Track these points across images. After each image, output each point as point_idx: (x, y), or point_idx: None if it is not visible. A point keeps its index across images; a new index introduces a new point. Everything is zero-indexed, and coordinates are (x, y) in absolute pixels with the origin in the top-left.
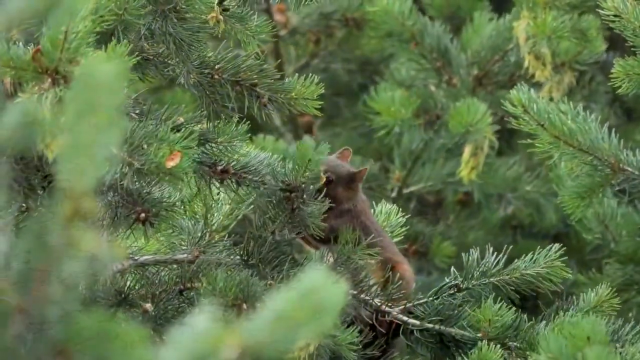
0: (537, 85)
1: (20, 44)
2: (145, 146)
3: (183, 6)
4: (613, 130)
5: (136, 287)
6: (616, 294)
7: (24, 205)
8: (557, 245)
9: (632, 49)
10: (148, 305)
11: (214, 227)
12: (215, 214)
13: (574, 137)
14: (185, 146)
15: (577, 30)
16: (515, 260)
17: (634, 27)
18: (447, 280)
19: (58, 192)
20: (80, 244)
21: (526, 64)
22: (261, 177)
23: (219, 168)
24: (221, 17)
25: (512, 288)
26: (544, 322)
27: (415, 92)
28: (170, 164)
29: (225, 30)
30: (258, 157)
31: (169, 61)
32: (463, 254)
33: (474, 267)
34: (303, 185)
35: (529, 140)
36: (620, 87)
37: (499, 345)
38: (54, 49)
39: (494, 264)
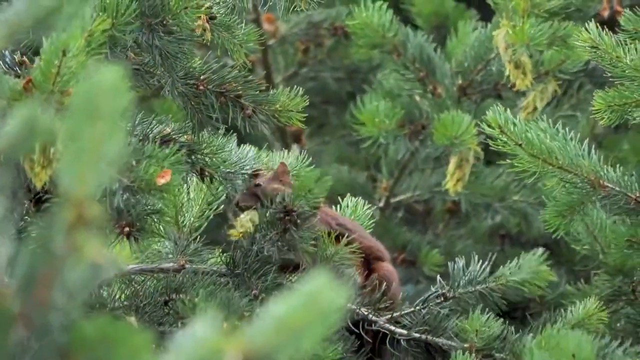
0: (522, 94)
1: (7, 52)
2: (134, 163)
3: (170, 20)
4: (593, 145)
5: (121, 298)
6: (604, 305)
7: (28, 212)
8: (541, 250)
9: (610, 79)
10: (132, 319)
11: (185, 229)
12: (186, 215)
13: (552, 156)
14: (173, 162)
15: (557, 38)
16: (501, 267)
17: (611, 58)
18: (434, 290)
19: (61, 199)
20: (83, 250)
21: (507, 72)
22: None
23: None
24: (208, 25)
25: (499, 295)
26: (531, 334)
27: (400, 102)
28: (161, 181)
29: (212, 39)
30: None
31: (155, 71)
32: (449, 263)
33: (460, 276)
34: (299, 210)
35: (509, 160)
36: (602, 119)
37: (480, 356)
38: (46, 81)
39: (480, 272)
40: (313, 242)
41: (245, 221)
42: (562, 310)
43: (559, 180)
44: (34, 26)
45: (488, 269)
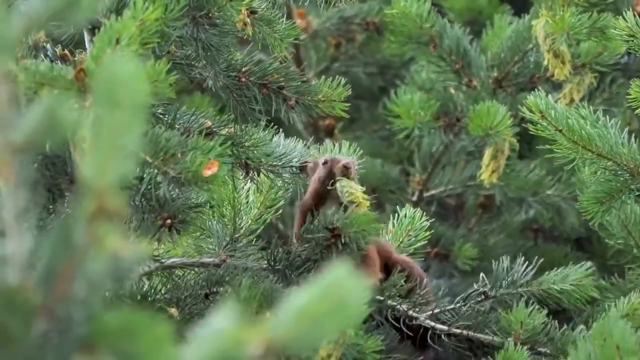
0: (558, 86)
1: (48, 45)
2: (179, 155)
3: (215, 12)
4: (633, 135)
5: (162, 291)
6: None
7: (50, 206)
8: (589, 264)
9: None
10: (173, 310)
11: (241, 231)
12: (244, 217)
13: (592, 142)
14: (219, 154)
15: (596, 29)
16: (546, 273)
17: None
18: (475, 287)
19: (82, 189)
20: (104, 242)
21: (545, 62)
22: (288, 165)
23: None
24: (249, 20)
25: (538, 299)
26: (579, 328)
27: (435, 94)
28: (208, 172)
29: (253, 34)
30: (286, 146)
31: (196, 64)
32: (492, 261)
33: (503, 276)
34: (346, 240)
35: (548, 146)
36: (638, 108)
37: (526, 347)
38: (97, 69)
39: (523, 274)
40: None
41: (353, 186)
42: (606, 305)
43: (598, 167)
44: (52, 19)
45: (531, 273)
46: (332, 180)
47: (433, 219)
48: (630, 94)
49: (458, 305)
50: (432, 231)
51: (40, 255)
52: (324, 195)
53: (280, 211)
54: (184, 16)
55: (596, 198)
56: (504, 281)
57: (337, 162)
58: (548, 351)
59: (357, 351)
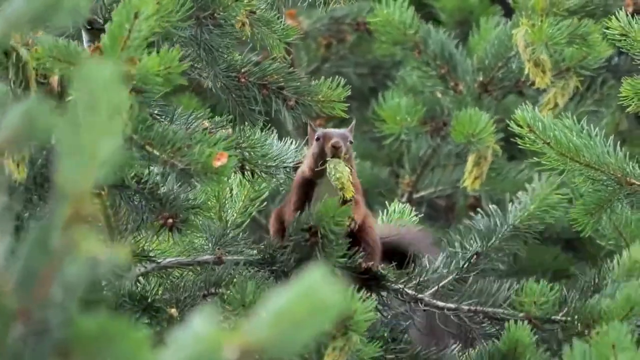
0: (543, 91)
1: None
2: (185, 148)
3: (220, 12)
4: (619, 142)
5: (159, 292)
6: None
7: (31, 208)
8: (539, 176)
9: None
10: (173, 311)
11: (228, 224)
12: (229, 211)
13: (580, 154)
14: (226, 147)
15: (577, 36)
16: (511, 206)
17: None
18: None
19: (58, 194)
20: (81, 247)
21: (526, 71)
22: (282, 166)
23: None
24: (247, 20)
25: (529, 231)
26: (598, 295)
27: (422, 99)
28: (218, 163)
29: (252, 34)
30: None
31: (196, 65)
32: (468, 222)
33: (482, 227)
34: (324, 232)
35: (536, 158)
36: (629, 106)
37: (540, 323)
38: (114, 46)
39: (498, 217)
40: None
41: (340, 169)
42: (609, 263)
43: (586, 178)
44: (33, 21)
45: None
46: (322, 161)
47: (423, 220)
48: (620, 93)
49: (456, 276)
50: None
51: (18, 259)
52: (319, 171)
53: (265, 203)
54: (190, 17)
55: (586, 210)
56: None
57: (328, 140)
58: (562, 319)
59: (356, 356)
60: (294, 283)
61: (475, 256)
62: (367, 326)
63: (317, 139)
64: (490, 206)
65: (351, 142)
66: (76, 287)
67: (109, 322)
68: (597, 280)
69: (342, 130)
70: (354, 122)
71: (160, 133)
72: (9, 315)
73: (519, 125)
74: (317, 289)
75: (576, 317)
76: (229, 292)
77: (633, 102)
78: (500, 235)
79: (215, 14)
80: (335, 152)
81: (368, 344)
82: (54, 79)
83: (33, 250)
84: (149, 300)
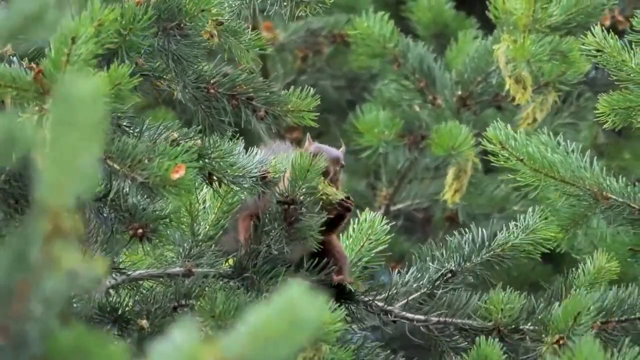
0: (522, 106)
1: (15, 59)
2: (146, 161)
3: (187, 23)
4: (595, 157)
5: (130, 304)
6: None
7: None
8: (536, 208)
9: (615, 82)
10: (144, 322)
11: (199, 237)
12: (202, 223)
13: (554, 169)
14: (185, 159)
15: (558, 52)
16: (498, 233)
17: (617, 62)
18: (437, 267)
19: (37, 209)
20: (60, 261)
21: (507, 87)
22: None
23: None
24: (215, 31)
25: (507, 260)
26: (555, 303)
27: (400, 112)
28: (176, 176)
29: (219, 45)
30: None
31: (165, 76)
32: (448, 238)
33: (463, 247)
34: (302, 198)
35: (510, 175)
36: (606, 122)
37: (507, 331)
38: (56, 70)
39: (480, 240)
40: (322, 228)
41: (328, 191)
42: (574, 270)
43: (561, 193)
44: (16, 34)
45: (488, 234)
46: None
47: (400, 233)
48: (597, 108)
49: (427, 290)
50: (396, 245)
51: None
52: None
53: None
54: (152, 25)
55: (561, 226)
56: (464, 252)
57: None
58: (530, 328)
59: None
60: (272, 298)
61: (449, 273)
62: (337, 336)
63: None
64: (472, 225)
65: (342, 166)
66: (55, 301)
67: (86, 335)
68: (564, 289)
69: (335, 152)
70: (343, 147)
71: (120, 147)
72: None
73: (491, 143)
74: (295, 304)
75: (542, 326)
76: (198, 303)
77: (609, 118)
78: (478, 259)
79: (182, 24)
80: (324, 176)
81: (339, 349)
82: (8, 100)
83: (12, 265)
84: (120, 312)
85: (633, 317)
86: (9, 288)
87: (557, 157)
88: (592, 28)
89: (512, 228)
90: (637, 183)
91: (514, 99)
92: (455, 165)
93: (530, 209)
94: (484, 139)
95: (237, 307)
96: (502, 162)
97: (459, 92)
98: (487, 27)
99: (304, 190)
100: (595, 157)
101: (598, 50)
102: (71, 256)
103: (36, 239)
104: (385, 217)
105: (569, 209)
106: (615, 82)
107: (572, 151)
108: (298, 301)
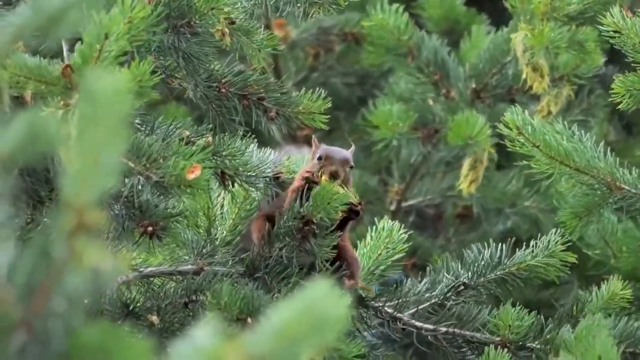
0: (536, 99)
1: (27, 55)
2: (161, 160)
3: (196, 21)
4: (609, 148)
5: (141, 300)
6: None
7: (30, 217)
8: (557, 231)
9: (632, 64)
10: (154, 318)
11: (217, 242)
12: (219, 228)
13: (569, 158)
14: (201, 159)
15: (575, 42)
16: (517, 251)
17: (634, 43)
18: (452, 278)
19: (62, 205)
20: (83, 257)
21: (524, 75)
22: (262, 175)
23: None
24: (227, 30)
25: (521, 280)
26: (567, 325)
27: (414, 105)
28: (191, 176)
29: (231, 44)
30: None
31: (176, 74)
32: (465, 251)
33: (478, 261)
34: (317, 221)
35: (525, 162)
36: (620, 102)
37: (514, 348)
38: (85, 65)
39: (497, 256)
40: (334, 249)
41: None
42: (587, 293)
43: (575, 182)
44: (38, 31)
45: (505, 252)
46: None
47: (411, 230)
48: (608, 102)
49: (438, 300)
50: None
51: (20, 269)
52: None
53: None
54: (162, 21)
55: (574, 213)
56: (479, 266)
57: (329, 164)
58: (538, 347)
59: (338, 355)
60: (295, 296)
61: (462, 286)
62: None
63: (319, 159)
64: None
65: (351, 167)
66: (79, 298)
67: (110, 332)
68: (575, 310)
69: (344, 154)
70: (353, 147)
71: (135, 145)
72: (11, 325)
73: (508, 128)
74: (319, 305)
75: (549, 345)
76: (207, 298)
77: (624, 99)
78: (492, 275)
79: (192, 22)
80: (332, 179)
81: (350, 343)
82: (28, 93)
83: (36, 260)
84: (130, 307)
85: (638, 351)
86: (32, 284)
87: (572, 145)
88: (610, 9)
89: (532, 247)
90: None
91: (528, 91)
92: (472, 155)
93: (553, 231)
94: (501, 124)
95: (243, 299)
96: (517, 148)
97: (473, 85)
98: (498, 23)
99: (320, 216)
100: (609, 148)
101: (616, 32)
102: (95, 252)
103: (60, 235)
104: (397, 214)
105: (582, 197)
106: (632, 64)
107: (587, 140)
108: (322, 300)
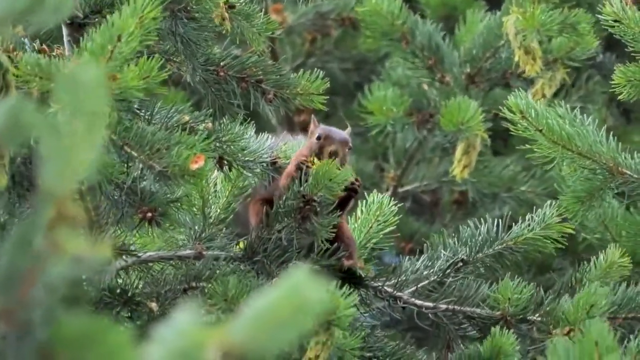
0: (530, 82)
1: (26, 40)
2: (164, 149)
3: (193, 6)
4: (611, 133)
5: (140, 286)
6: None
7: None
8: (552, 203)
9: (632, 54)
10: (153, 305)
11: (211, 220)
12: (213, 207)
13: (572, 142)
14: (204, 148)
15: (567, 25)
16: (513, 226)
17: (634, 33)
18: (450, 255)
19: (42, 195)
20: (65, 247)
21: (516, 58)
22: (259, 161)
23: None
24: (227, 14)
25: (519, 253)
26: (565, 295)
27: (408, 91)
28: (195, 166)
29: (231, 28)
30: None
31: (175, 59)
32: (461, 227)
33: (476, 237)
34: (319, 199)
35: (527, 145)
36: (621, 93)
37: (514, 321)
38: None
39: (494, 231)
40: (333, 229)
41: None
42: (585, 263)
43: (578, 166)
44: (18, 18)
45: (502, 227)
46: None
47: (408, 215)
48: (607, 89)
49: (437, 277)
50: (405, 226)
51: (1, 260)
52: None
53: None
54: (164, 9)
55: (576, 197)
56: (478, 243)
57: (328, 145)
58: (539, 319)
59: (337, 348)
60: (277, 282)
61: (460, 262)
62: (350, 321)
63: (318, 138)
64: (487, 216)
65: (350, 148)
66: (59, 287)
67: (91, 322)
68: (574, 281)
69: (343, 134)
70: (349, 128)
71: (139, 134)
72: None
73: (511, 112)
74: (301, 288)
75: (549, 317)
76: (210, 286)
77: (625, 89)
78: (490, 250)
79: (189, 7)
80: (332, 158)
81: (349, 336)
82: (35, 90)
83: (16, 251)
84: (129, 294)
85: (639, 316)
86: (14, 274)
87: (575, 129)
88: None
89: (528, 221)
90: None
91: (522, 73)
92: (464, 140)
93: (548, 203)
94: (504, 107)
95: (250, 291)
96: (520, 132)
97: (468, 70)
98: (495, 9)
99: (321, 194)
100: (611, 134)
101: (616, 21)
102: (75, 242)
103: (41, 225)
104: (392, 198)
105: (585, 182)
106: (632, 54)
107: (589, 125)
108: (303, 285)
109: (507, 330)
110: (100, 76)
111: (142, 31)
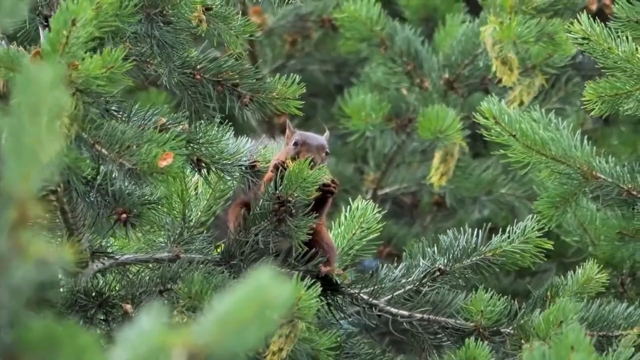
0: (509, 88)
1: (3, 42)
2: (135, 147)
3: (169, 10)
4: (585, 137)
5: (116, 288)
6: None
7: None
8: (533, 217)
9: (602, 70)
10: (128, 307)
11: (191, 223)
12: (194, 210)
13: (546, 147)
14: (174, 147)
15: (544, 34)
16: (494, 237)
17: (603, 49)
18: (428, 264)
19: (3, 196)
20: (28, 250)
21: (494, 69)
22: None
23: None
24: (204, 16)
25: (497, 265)
26: (537, 309)
27: (387, 95)
28: (163, 164)
29: (209, 30)
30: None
31: (151, 61)
32: (440, 237)
33: (455, 247)
34: (293, 200)
35: (502, 151)
36: (592, 110)
37: (487, 333)
38: (54, 52)
39: (473, 242)
40: (310, 231)
41: None
42: (562, 278)
43: (552, 171)
44: None
45: (481, 238)
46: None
47: (387, 218)
48: (583, 97)
49: (413, 287)
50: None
51: None
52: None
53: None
54: (138, 12)
55: (551, 202)
56: (455, 251)
57: (304, 151)
58: (511, 332)
59: (311, 347)
60: (240, 284)
61: (437, 272)
62: (312, 313)
63: (295, 144)
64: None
65: (327, 153)
66: (23, 290)
67: (55, 325)
68: (550, 295)
69: (319, 140)
70: (327, 133)
71: (108, 132)
72: None
73: (484, 117)
74: (264, 288)
75: (522, 331)
76: (177, 286)
77: (596, 105)
78: (468, 261)
79: (164, 11)
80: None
81: (323, 335)
82: (0, 82)
83: None
84: (105, 296)
85: (610, 334)
86: None
87: (549, 134)
88: (578, 15)
89: (508, 232)
90: (626, 164)
91: (500, 81)
92: (442, 148)
93: (529, 217)
94: (477, 113)
95: (214, 287)
96: (494, 137)
97: (446, 75)
98: (475, 11)
99: (296, 195)
100: (586, 138)
101: (584, 38)
102: (39, 244)
103: (3, 228)
104: (372, 201)
105: (559, 187)
106: (602, 70)
107: (563, 129)
108: (267, 285)
109: (481, 342)
110: (57, 74)
111: (100, 16)
